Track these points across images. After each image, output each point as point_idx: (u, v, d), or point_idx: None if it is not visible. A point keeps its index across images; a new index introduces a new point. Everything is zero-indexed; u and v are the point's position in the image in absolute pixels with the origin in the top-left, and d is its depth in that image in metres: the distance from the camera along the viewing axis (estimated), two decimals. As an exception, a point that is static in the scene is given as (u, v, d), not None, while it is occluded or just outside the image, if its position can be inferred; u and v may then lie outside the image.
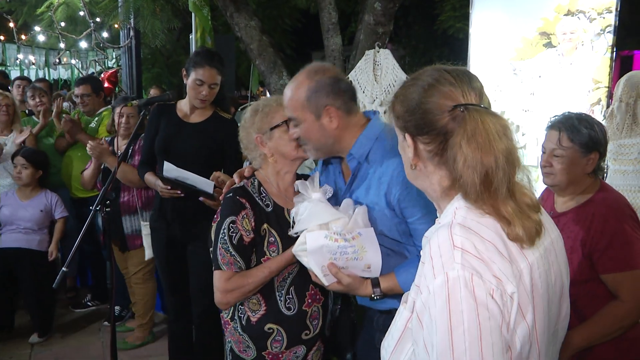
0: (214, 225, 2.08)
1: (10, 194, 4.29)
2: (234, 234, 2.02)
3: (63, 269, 2.47)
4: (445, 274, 1.07)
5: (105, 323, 4.46)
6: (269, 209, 2.10)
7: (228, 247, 2.01)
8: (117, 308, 4.64)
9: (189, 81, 3.05)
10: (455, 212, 1.19)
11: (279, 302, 2.08)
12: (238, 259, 2.02)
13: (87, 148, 3.84)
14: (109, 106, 4.78)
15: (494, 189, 1.14)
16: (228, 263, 2.02)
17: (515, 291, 1.08)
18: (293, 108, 1.93)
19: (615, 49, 3.82)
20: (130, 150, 3.76)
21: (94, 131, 4.63)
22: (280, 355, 2.09)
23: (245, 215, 2.03)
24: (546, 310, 1.17)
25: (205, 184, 2.86)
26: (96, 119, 4.69)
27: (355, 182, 1.98)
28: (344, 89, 1.93)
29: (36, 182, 4.28)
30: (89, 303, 4.86)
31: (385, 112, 4.63)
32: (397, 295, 1.83)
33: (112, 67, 7.48)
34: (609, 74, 3.82)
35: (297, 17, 10.02)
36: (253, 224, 2.04)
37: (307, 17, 9.68)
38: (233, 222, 2.02)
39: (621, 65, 8.13)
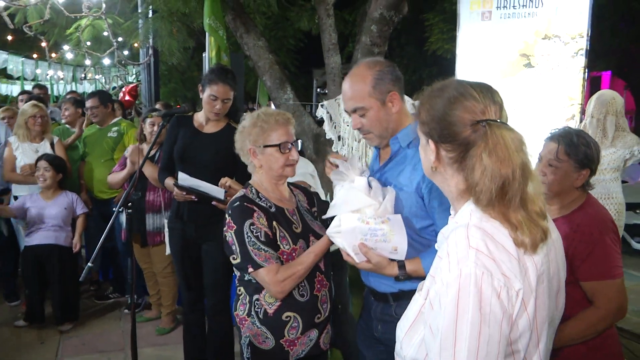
0: (231, 233, 2.04)
1: (35, 196, 4.29)
2: (259, 233, 2.01)
3: (89, 264, 2.45)
4: (459, 269, 1.10)
5: (126, 311, 4.48)
6: (273, 210, 2.10)
7: (259, 245, 1.99)
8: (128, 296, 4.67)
9: (204, 96, 3.05)
10: (472, 213, 1.20)
11: (293, 290, 2.06)
12: (272, 252, 2.01)
13: (128, 153, 3.98)
14: (120, 117, 4.80)
15: (509, 198, 1.16)
16: (266, 259, 1.99)
17: (521, 287, 1.12)
18: (360, 98, 1.90)
19: (587, 70, 3.83)
20: (157, 155, 3.76)
21: (117, 140, 4.62)
22: (296, 341, 2.08)
23: (258, 216, 2.03)
24: (546, 302, 1.19)
25: (217, 192, 2.87)
26: (114, 128, 4.69)
27: (390, 164, 1.96)
28: (400, 76, 1.94)
29: (57, 184, 4.31)
30: (110, 295, 4.85)
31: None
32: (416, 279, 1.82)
33: (132, 82, 7.50)
34: (582, 92, 3.82)
35: (300, 38, 10.04)
36: (266, 222, 2.04)
37: (309, 38, 9.71)
38: (252, 224, 2.01)
39: (591, 85, 8.17)
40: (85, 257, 4.89)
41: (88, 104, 4.64)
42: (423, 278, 1.80)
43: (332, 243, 2.03)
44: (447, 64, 10.91)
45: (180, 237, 3.18)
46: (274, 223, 2.07)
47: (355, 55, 5.13)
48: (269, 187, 2.17)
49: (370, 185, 1.85)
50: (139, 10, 5.84)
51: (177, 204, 3.16)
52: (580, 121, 3.86)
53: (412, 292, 1.87)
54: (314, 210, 2.32)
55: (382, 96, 1.89)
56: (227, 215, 2.08)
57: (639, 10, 12.42)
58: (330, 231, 1.88)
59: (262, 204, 2.09)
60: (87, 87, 11.66)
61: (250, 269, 2.01)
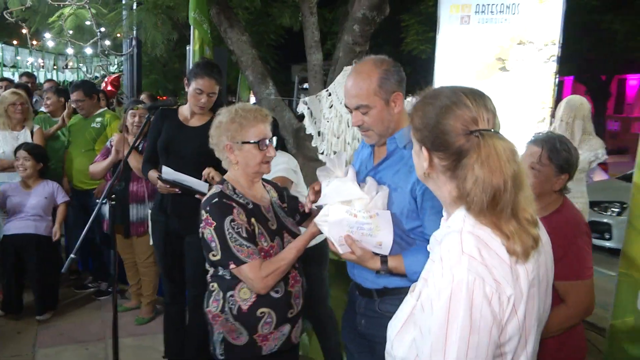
0: (210, 230, 1.95)
1: (15, 185, 4.16)
2: (240, 229, 1.94)
3: (72, 255, 2.35)
4: (452, 275, 1.08)
5: (100, 298, 4.46)
6: (250, 206, 2.04)
7: (241, 241, 1.93)
8: (106, 284, 4.60)
9: (190, 89, 3.00)
10: (465, 219, 1.18)
11: None
12: (254, 248, 1.95)
13: (114, 141, 3.86)
14: (106, 108, 4.68)
15: (500, 209, 1.13)
16: (249, 255, 1.93)
17: (512, 293, 1.10)
18: (365, 96, 1.83)
19: (557, 75, 3.90)
20: (140, 147, 3.69)
21: (99, 131, 4.50)
22: (269, 336, 2.03)
23: (238, 212, 1.97)
24: (536, 306, 1.19)
25: (200, 185, 2.82)
26: (98, 119, 4.55)
27: (385, 163, 1.92)
28: (404, 77, 1.89)
29: (37, 173, 4.18)
30: (89, 285, 4.74)
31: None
32: (395, 275, 1.82)
33: (115, 72, 7.36)
34: (553, 96, 3.89)
35: (281, 34, 9.97)
36: (245, 218, 1.98)
37: (290, 34, 9.67)
38: (232, 220, 1.94)
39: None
40: (64, 246, 4.78)
41: (73, 97, 4.49)
42: (404, 275, 1.81)
43: (312, 239, 2.01)
44: (422, 64, 11.01)
45: (163, 229, 3.12)
46: (253, 220, 2.00)
47: (337, 53, 5.12)
48: (245, 184, 2.10)
49: (365, 181, 1.83)
50: (123, 2, 5.71)
51: (161, 197, 3.10)
52: (551, 124, 3.93)
53: (395, 290, 1.88)
54: (284, 206, 2.27)
55: (386, 96, 1.84)
56: (204, 213, 1.99)
57: (598, 21, 12.76)
58: (318, 219, 1.85)
59: (240, 201, 2.02)
60: (68, 76, 11.40)
61: (232, 266, 1.94)
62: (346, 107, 1.92)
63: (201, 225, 2.00)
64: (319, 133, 4.52)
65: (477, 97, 1.21)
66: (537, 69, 3.88)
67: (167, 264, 3.17)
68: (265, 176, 2.29)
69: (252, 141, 2.03)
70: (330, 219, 1.79)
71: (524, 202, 1.15)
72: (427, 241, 1.77)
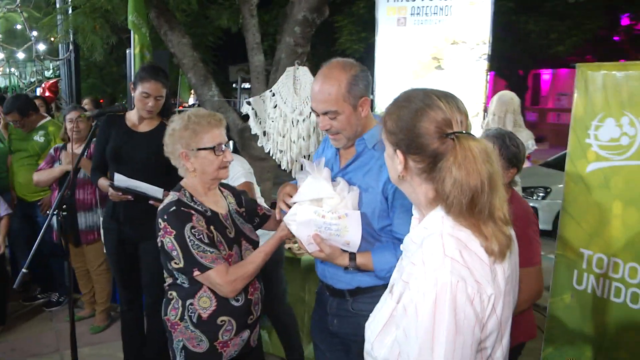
0: (169, 239, 1.86)
1: None
2: (201, 235, 1.88)
3: (23, 270, 2.24)
4: (435, 278, 1.07)
5: (51, 309, 4.23)
6: (209, 214, 1.98)
7: (203, 247, 1.86)
8: (57, 295, 4.37)
9: (137, 94, 2.89)
10: (443, 221, 1.16)
11: None
12: (218, 253, 1.88)
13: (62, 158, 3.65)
14: (48, 118, 4.42)
15: (479, 210, 1.13)
16: (213, 260, 1.87)
17: (492, 292, 1.10)
18: (334, 102, 1.78)
19: (488, 73, 4.05)
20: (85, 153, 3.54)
21: (43, 146, 4.22)
22: (229, 342, 1.99)
23: (197, 219, 1.90)
24: (510, 300, 1.20)
25: (155, 191, 2.72)
26: (40, 132, 4.28)
27: (354, 164, 1.89)
28: (370, 81, 1.85)
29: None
30: (38, 296, 4.48)
31: (303, 120, 4.60)
32: (364, 272, 1.83)
33: (51, 78, 6.97)
34: (485, 92, 4.05)
35: (219, 35, 9.80)
36: (205, 225, 1.92)
37: (227, 35, 9.52)
38: (192, 227, 1.87)
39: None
40: (8, 257, 4.51)
41: (8, 117, 4.17)
42: (372, 271, 1.81)
43: (280, 243, 1.99)
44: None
45: (116, 237, 2.99)
46: (211, 227, 1.94)
47: (279, 54, 5.07)
48: (202, 191, 2.02)
49: (336, 181, 1.82)
50: (57, 6, 5.42)
51: (112, 205, 2.97)
52: (484, 118, 4.09)
53: (368, 289, 1.87)
54: (242, 210, 2.21)
55: (354, 101, 1.80)
56: (161, 221, 1.89)
57: (514, 22, 13.41)
58: (287, 218, 1.83)
59: (198, 208, 1.95)
60: (0, 81, 10.67)
61: (197, 272, 1.87)
62: (312, 110, 1.87)
63: (159, 234, 1.91)
64: (264, 133, 4.49)
65: (450, 99, 1.21)
66: (470, 67, 4.01)
67: (122, 271, 3.05)
68: (230, 183, 2.25)
69: (207, 147, 1.95)
70: (299, 219, 1.78)
71: (499, 202, 1.15)
72: (396, 239, 1.80)
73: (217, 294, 1.93)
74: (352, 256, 1.80)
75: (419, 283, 1.09)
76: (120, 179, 2.74)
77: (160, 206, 1.97)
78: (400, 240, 1.76)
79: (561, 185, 6.73)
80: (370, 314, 1.33)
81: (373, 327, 1.26)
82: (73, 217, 3.64)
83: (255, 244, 2.12)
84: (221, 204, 2.09)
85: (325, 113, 1.82)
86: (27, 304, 4.40)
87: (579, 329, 2.63)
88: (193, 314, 1.95)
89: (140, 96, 2.87)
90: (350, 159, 1.91)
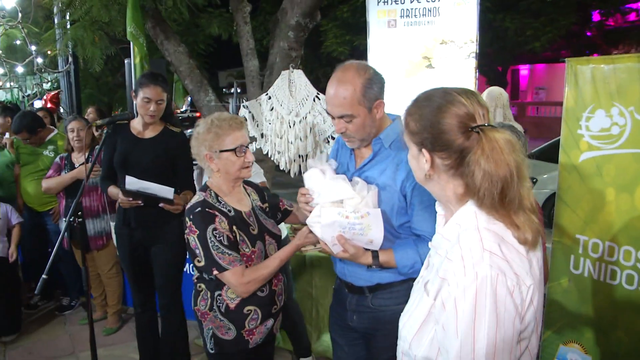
0: (193, 237, 1.92)
1: None
2: (222, 237, 1.91)
3: (43, 276, 2.22)
4: (475, 273, 1.05)
5: (64, 313, 4.18)
6: (232, 214, 2.00)
7: (223, 249, 1.90)
8: (68, 299, 4.35)
9: (138, 100, 2.85)
10: (477, 216, 1.14)
11: None
12: (236, 255, 1.92)
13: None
14: (56, 131, 4.37)
15: (509, 200, 1.11)
16: (230, 262, 1.91)
17: (532, 283, 1.09)
18: (349, 105, 1.74)
19: (477, 70, 4.08)
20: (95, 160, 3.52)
21: (53, 160, 4.10)
22: (255, 330, 2.04)
23: (220, 220, 1.93)
24: (541, 289, 1.18)
25: (166, 192, 2.71)
26: (50, 147, 4.24)
27: (370, 163, 1.86)
28: (384, 83, 1.80)
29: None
30: (38, 303, 4.42)
31: (300, 122, 4.58)
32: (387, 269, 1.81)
33: (50, 90, 6.89)
34: (475, 89, 4.07)
35: (210, 43, 9.75)
36: (227, 226, 1.95)
37: (216, 42, 9.47)
38: (214, 228, 1.91)
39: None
40: (20, 264, 4.45)
41: (19, 137, 4.14)
42: (395, 267, 1.78)
43: (297, 250, 2.00)
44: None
45: (128, 242, 2.96)
46: (234, 227, 1.97)
47: (272, 58, 5.06)
48: (227, 190, 2.06)
49: (353, 181, 1.80)
50: (56, 21, 5.36)
51: (123, 211, 2.93)
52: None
53: (387, 285, 1.86)
54: (265, 206, 2.23)
55: (369, 104, 1.76)
56: (187, 220, 1.95)
57: (492, 20, 13.53)
58: (310, 221, 1.82)
59: (222, 209, 1.98)
60: (1, 95, 10.51)
61: (215, 272, 1.92)
62: (328, 113, 1.85)
63: (186, 231, 1.96)
64: (262, 135, 4.48)
65: (469, 94, 1.18)
66: (459, 65, 4.02)
67: (135, 274, 3.02)
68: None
69: (229, 149, 1.98)
70: (323, 221, 1.75)
71: (526, 192, 1.13)
72: (415, 235, 1.78)
73: None
74: (375, 254, 1.78)
75: (458, 278, 1.07)
76: (131, 181, 2.72)
77: (188, 205, 2.02)
78: (419, 237, 1.77)
79: (546, 176, 6.86)
80: (403, 314, 1.29)
81: (409, 326, 1.22)
82: (82, 224, 3.60)
83: (278, 239, 2.16)
84: (244, 202, 2.12)
85: (341, 117, 1.78)
86: (30, 312, 4.33)
87: (577, 312, 2.65)
88: (221, 304, 2.00)
89: (142, 102, 2.85)
90: (367, 158, 1.88)
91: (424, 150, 1.20)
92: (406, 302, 1.33)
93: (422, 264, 1.64)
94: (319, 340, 3.50)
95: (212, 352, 2.06)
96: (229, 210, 2.00)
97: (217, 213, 1.94)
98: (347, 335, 2.05)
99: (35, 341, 3.80)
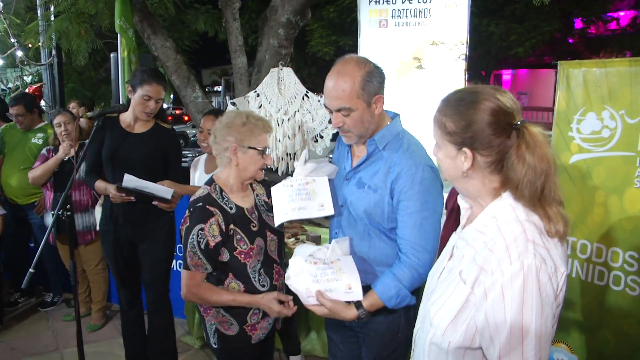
0: (184, 228, 1.95)
1: None
2: (202, 240, 1.91)
3: (30, 270, 2.18)
4: (521, 262, 1.09)
5: (46, 309, 4.12)
6: (233, 211, 1.99)
7: (196, 251, 1.91)
8: (50, 295, 4.28)
9: (136, 96, 2.80)
10: (515, 209, 1.18)
11: (255, 282, 2.01)
12: (204, 262, 1.93)
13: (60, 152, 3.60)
14: (46, 122, 4.29)
15: (547, 192, 1.16)
16: (195, 265, 1.93)
17: (565, 270, 1.15)
18: (347, 99, 1.71)
19: (467, 72, 4.12)
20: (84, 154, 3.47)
21: (41, 148, 4.05)
22: (257, 326, 2.05)
23: (213, 222, 1.92)
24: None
25: (164, 192, 2.69)
26: (39, 134, 4.16)
27: (364, 164, 1.84)
28: (385, 78, 1.77)
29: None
30: (18, 300, 4.33)
31: (288, 120, 4.56)
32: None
33: (32, 83, 6.75)
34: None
35: (195, 39, 9.66)
36: (223, 226, 1.93)
37: (201, 39, 9.41)
38: (201, 229, 1.91)
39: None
40: (1, 260, 4.35)
41: (13, 110, 4.06)
42: (384, 308, 1.72)
43: (254, 306, 1.99)
44: (326, 65, 11.18)
45: (114, 238, 2.91)
46: (232, 226, 1.96)
47: (261, 56, 5.04)
48: (235, 185, 2.04)
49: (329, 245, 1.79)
50: (39, 13, 5.25)
51: (110, 206, 2.88)
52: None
53: None
54: (270, 201, 2.19)
55: (369, 98, 1.73)
56: (187, 211, 1.96)
57: (477, 24, 13.68)
58: (286, 279, 1.80)
59: (224, 205, 1.97)
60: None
61: (182, 265, 1.97)
62: (325, 107, 1.82)
63: (182, 221, 1.98)
64: (249, 133, 4.48)
65: (502, 93, 1.21)
66: (449, 66, 4.05)
67: (121, 271, 2.97)
68: None
69: (257, 148, 1.99)
70: (292, 272, 1.73)
71: (557, 185, 1.18)
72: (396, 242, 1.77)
73: (245, 280, 1.98)
74: (358, 304, 1.72)
75: (504, 267, 1.11)
76: (130, 179, 2.68)
77: (193, 197, 2.01)
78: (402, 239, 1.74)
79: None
80: (434, 303, 1.27)
81: (443, 314, 1.22)
82: (71, 217, 3.54)
83: (279, 235, 2.16)
84: (248, 198, 2.11)
85: (339, 110, 1.76)
86: (10, 309, 4.24)
87: (565, 312, 2.69)
88: None
89: (142, 99, 2.79)
90: (361, 159, 1.87)
91: (465, 149, 1.22)
92: None
93: (405, 286, 1.66)
94: (307, 338, 3.50)
95: (216, 346, 2.07)
96: (231, 208, 2.00)
97: (216, 211, 1.94)
98: (342, 333, 2.05)
99: (18, 337, 3.73)
